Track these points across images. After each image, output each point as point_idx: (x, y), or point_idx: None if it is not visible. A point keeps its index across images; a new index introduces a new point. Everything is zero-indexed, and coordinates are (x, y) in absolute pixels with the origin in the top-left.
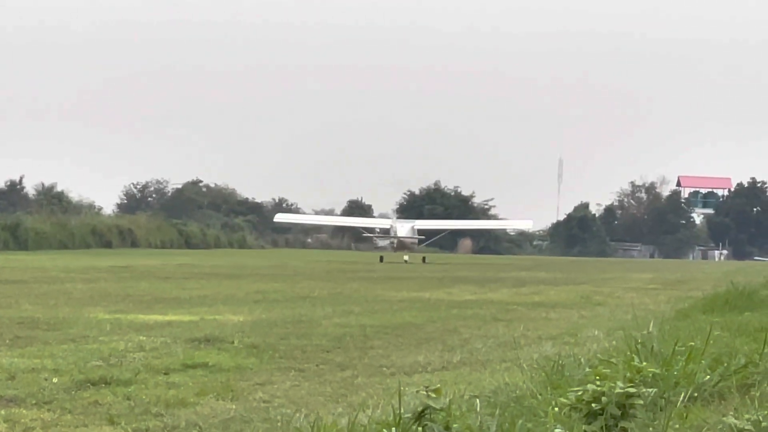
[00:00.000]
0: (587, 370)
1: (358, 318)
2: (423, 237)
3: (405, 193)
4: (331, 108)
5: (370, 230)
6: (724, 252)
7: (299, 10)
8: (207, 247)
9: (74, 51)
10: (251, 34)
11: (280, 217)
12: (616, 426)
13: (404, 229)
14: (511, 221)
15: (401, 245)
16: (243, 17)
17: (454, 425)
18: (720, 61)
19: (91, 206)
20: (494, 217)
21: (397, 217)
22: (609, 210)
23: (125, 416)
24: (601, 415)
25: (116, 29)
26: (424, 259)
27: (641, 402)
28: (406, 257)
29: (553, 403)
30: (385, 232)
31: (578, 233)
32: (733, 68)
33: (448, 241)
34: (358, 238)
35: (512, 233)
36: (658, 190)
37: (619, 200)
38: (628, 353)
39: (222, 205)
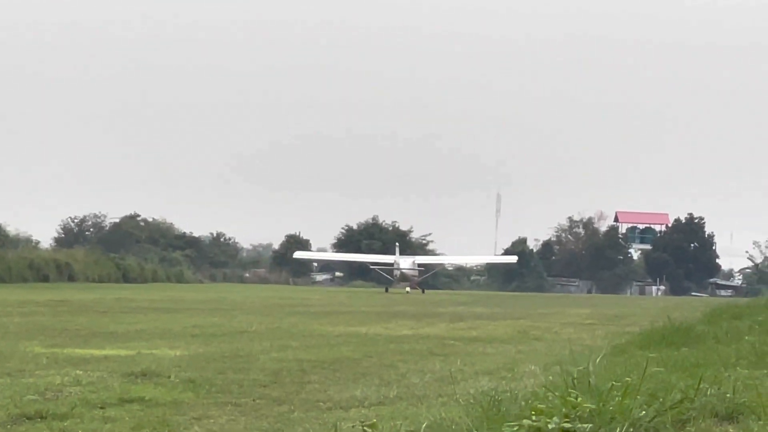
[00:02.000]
0: (524, 405)
1: (295, 352)
2: (423, 269)
3: (343, 228)
4: (268, 143)
5: (377, 264)
6: (662, 287)
7: (221, 46)
8: (144, 282)
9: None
10: (182, 67)
11: (298, 254)
12: None
13: (406, 263)
14: (498, 257)
15: (403, 277)
16: (182, 53)
17: None
18: (657, 98)
19: (28, 240)
20: (432, 253)
21: (399, 254)
22: (547, 245)
23: None
24: None
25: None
26: (423, 290)
27: None
28: (407, 288)
29: None
30: (390, 266)
31: (516, 268)
32: (670, 105)
33: (385, 276)
34: (296, 272)
35: (450, 268)
36: (595, 226)
37: (556, 235)
38: (565, 388)
39: (160, 240)
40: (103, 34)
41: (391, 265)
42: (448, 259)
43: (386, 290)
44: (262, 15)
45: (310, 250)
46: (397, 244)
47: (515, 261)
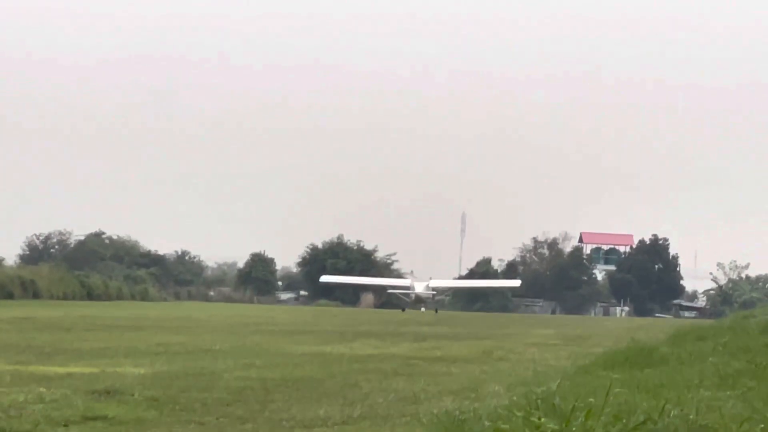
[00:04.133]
0: (487, 425)
1: (259, 371)
2: (435, 293)
3: (308, 247)
4: (233, 159)
5: (395, 288)
6: (626, 308)
7: (191, 69)
8: (109, 299)
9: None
10: (143, 86)
11: (325, 279)
12: None
13: (421, 286)
14: (501, 281)
15: (419, 299)
16: (147, 71)
17: None
18: (620, 120)
19: None
20: (397, 272)
21: (414, 278)
22: (511, 265)
23: None
24: None
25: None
26: (436, 310)
27: None
28: (422, 308)
29: None
30: (406, 288)
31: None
32: (633, 128)
33: (349, 295)
34: (260, 291)
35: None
36: (560, 246)
37: (521, 256)
38: (529, 409)
39: (125, 257)
40: (66, 54)
41: (408, 288)
42: (457, 283)
43: (402, 310)
44: (220, 48)
45: (274, 269)
46: (411, 270)
47: (518, 285)
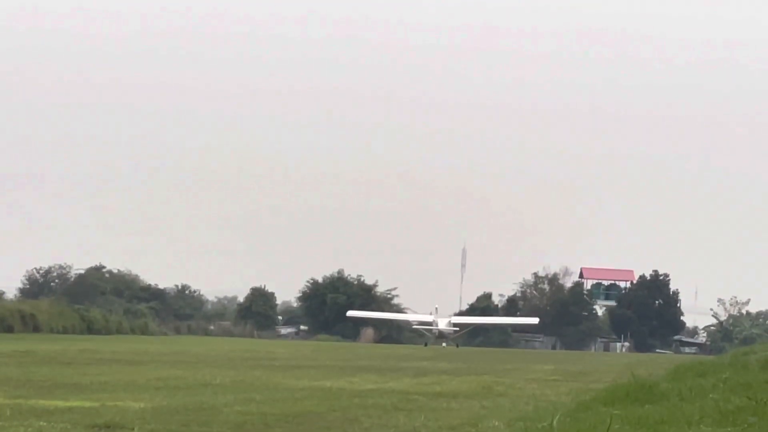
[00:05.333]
0: None
1: (259, 406)
2: (458, 329)
3: (308, 282)
4: (234, 195)
5: (419, 323)
6: (626, 344)
7: (171, 90)
8: (109, 333)
9: None
10: (154, 108)
11: (351, 314)
12: None
13: (443, 322)
14: (521, 319)
15: (441, 334)
16: (151, 98)
17: None
18: (620, 154)
19: None
20: (397, 307)
21: (437, 314)
22: (512, 300)
23: None
24: None
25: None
26: (457, 345)
27: None
28: (444, 344)
29: None
30: (428, 324)
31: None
32: (634, 164)
33: (349, 329)
34: (260, 325)
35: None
36: (560, 282)
37: (521, 291)
38: None
39: (125, 291)
40: (66, 79)
41: (431, 324)
42: (478, 320)
43: (425, 344)
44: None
45: (275, 303)
46: (436, 306)
47: (537, 322)
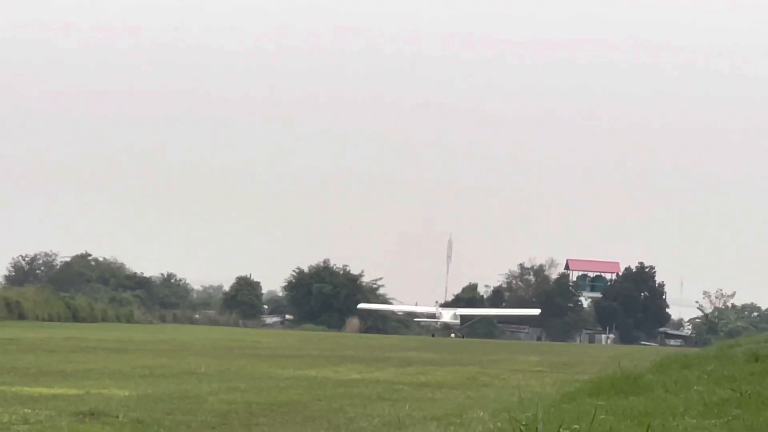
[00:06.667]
0: None
1: (243, 395)
2: (458, 321)
3: (294, 271)
4: (220, 183)
5: (424, 315)
6: (611, 336)
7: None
8: (94, 321)
9: None
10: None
11: (362, 306)
12: None
13: (448, 314)
14: (522, 310)
15: (445, 326)
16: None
17: None
18: (610, 148)
19: None
20: (383, 297)
21: (441, 306)
22: (497, 291)
23: None
24: None
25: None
26: (463, 336)
27: None
28: (452, 335)
29: None
30: (432, 316)
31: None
32: (622, 156)
33: (335, 320)
34: (246, 314)
35: (401, 314)
36: (546, 273)
37: (507, 282)
38: None
39: (110, 279)
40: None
41: (435, 316)
42: (481, 311)
43: (432, 335)
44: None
45: (260, 293)
46: (437, 301)
47: (538, 313)
